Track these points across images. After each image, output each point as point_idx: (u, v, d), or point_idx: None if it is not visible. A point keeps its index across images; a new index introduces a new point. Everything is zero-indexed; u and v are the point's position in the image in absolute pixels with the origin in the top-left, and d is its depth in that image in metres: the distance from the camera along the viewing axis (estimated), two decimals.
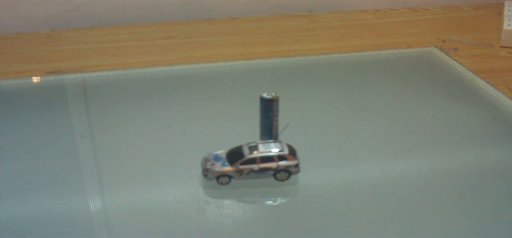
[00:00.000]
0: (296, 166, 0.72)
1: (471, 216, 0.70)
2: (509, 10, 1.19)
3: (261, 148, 0.72)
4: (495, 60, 1.09)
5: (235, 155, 0.72)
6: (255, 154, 0.71)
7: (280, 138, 0.74)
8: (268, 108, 0.72)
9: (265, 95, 0.72)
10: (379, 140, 0.84)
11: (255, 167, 0.71)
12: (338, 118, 0.90)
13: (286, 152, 0.71)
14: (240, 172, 0.71)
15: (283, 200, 0.72)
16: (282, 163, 0.71)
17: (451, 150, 0.82)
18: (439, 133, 0.86)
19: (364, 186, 0.74)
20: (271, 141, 0.73)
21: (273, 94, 0.72)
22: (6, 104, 0.91)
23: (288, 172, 0.72)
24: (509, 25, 1.14)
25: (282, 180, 0.72)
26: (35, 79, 0.98)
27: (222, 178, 0.71)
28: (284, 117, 0.74)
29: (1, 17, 1.17)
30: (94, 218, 0.68)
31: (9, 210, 0.68)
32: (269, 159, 0.71)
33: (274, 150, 0.71)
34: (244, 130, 0.78)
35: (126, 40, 1.14)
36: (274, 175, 0.72)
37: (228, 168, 0.71)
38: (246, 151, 0.71)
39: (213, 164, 0.71)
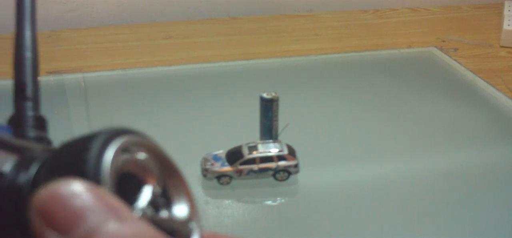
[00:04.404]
0: (296, 166, 0.72)
1: (471, 216, 0.70)
2: (509, 10, 1.19)
3: (261, 148, 0.71)
4: (495, 60, 1.09)
5: (234, 155, 0.72)
6: (255, 154, 0.71)
7: (280, 138, 0.74)
8: (268, 108, 0.72)
9: (265, 95, 0.72)
10: (379, 139, 0.84)
11: (255, 167, 0.71)
12: (338, 118, 0.90)
13: (285, 152, 0.71)
14: (239, 172, 0.71)
15: (283, 200, 0.72)
16: (282, 163, 0.71)
17: (451, 149, 0.82)
18: (439, 133, 0.86)
19: (364, 186, 0.74)
20: (271, 141, 0.73)
21: (273, 94, 0.72)
22: (6, 105, 0.91)
23: (287, 172, 0.72)
24: (509, 25, 1.14)
25: (282, 180, 0.72)
26: None
27: (221, 178, 0.71)
28: (284, 117, 0.74)
29: (1, 17, 1.17)
30: None
31: None
32: (269, 159, 0.71)
33: (274, 150, 0.71)
34: (244, 130, 0.78)
35: (126, 40, 1.14)
36: (274, 175, 0.72)
37: (227, 168, 0.71)
38: (245, 151, 0.71)
39: (212, 164, 0.71)
